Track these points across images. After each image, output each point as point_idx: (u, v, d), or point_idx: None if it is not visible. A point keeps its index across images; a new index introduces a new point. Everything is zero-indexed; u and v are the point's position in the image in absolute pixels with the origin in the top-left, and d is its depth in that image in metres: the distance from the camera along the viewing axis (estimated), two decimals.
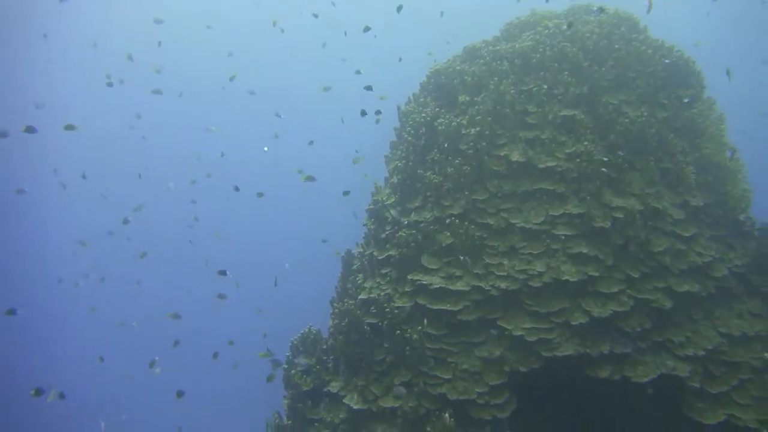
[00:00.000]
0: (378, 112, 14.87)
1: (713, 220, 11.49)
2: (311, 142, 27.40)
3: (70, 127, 15.74)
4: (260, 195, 19.17)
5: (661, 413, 10.59)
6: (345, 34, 17.27)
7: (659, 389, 10.18)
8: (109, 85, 23.61)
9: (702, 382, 10.16)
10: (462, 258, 10.57)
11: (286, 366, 11.30)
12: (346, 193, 15.45)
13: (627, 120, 11.20)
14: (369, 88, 15.26)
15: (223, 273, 15.95)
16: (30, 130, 14.23)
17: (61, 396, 14.14)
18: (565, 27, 12.65)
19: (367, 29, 16.62)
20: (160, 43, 28.50)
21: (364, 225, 12.62)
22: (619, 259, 10.46)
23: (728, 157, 12.07)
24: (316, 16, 19.01)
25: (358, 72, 16.16)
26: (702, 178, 11.62)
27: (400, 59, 15.95)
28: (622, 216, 10.53)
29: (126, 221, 23.41)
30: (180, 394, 13.93)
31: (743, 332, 10.70)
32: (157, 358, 19.81)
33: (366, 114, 15.06)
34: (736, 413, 10.01)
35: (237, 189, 18.23)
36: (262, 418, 11.62)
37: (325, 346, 11.45)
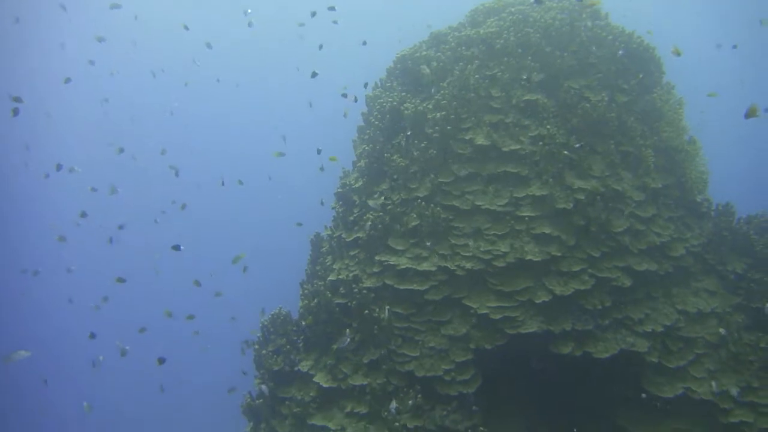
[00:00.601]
0: (355, 99, 15.02)
1: (672, 202, 11.83)
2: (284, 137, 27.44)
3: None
4: (240, 183, 18.91)
5: (622, 387, 10.92)
6: (313, 14, 17.07)
7: (620, 364, 10.55)
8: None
9: (660, 357, 10.52)
10: (428, 244, 10.81)
11: (256, 347, 11.46)
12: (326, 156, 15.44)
13: (588, 105, 11.48)
14: (314, 74, 15.52)
15: (176, 248, 15.97)
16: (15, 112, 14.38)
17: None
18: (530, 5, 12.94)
19: (332, 8, 16.67)
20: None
21: (332, 208, 12.81)
22: (580, 240, 10.78)
23: (686, 141, 12.41)
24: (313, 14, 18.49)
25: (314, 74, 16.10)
26: (661, 160, 11.95)
27: (365, 42, 15.96)
28: (583, 197, 10.84)
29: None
30: (161, 360, 13.96)
31: (699, 309, 11.09)
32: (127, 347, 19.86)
33: (347, 97, 15.26)
34: (693, 386, 10.39)
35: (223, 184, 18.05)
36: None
37: (294, 327, 11.61)
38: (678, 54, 12.02)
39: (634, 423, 10.74)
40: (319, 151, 15.65)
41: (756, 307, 11.12)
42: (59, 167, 20.03)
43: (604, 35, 12.51)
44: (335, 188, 12.91)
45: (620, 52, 12.30)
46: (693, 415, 10.45)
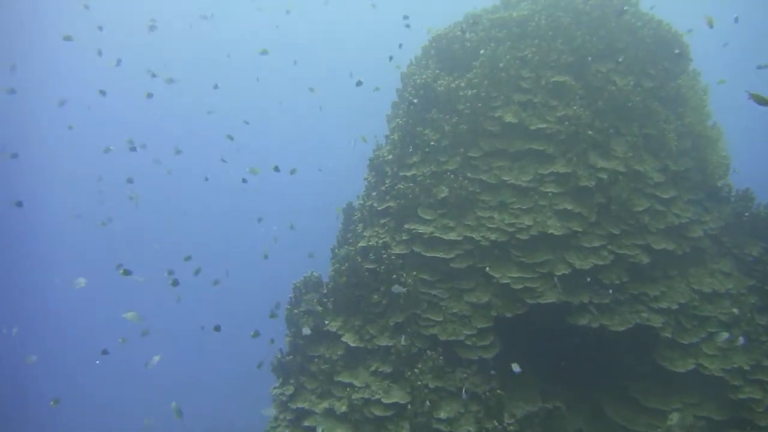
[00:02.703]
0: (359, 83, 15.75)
1: (692, 185, 12.21)
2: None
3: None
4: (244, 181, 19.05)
5: (635, 361, 11.38)
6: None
7: (634, 338, 11.00)
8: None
9: (674, 334, 10.95)
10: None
11: (288, 307, 12.06)
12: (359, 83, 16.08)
13: (614, 88, 11.89)
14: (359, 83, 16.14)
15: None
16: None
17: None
18: None
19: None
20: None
21: (365, 179, 13.34)
22: (601, 217, 11.22)
23: (709, 127, 12.77)
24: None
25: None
26: (684, 145, 12.32)
27: (408, 23, 16.35)
28: (605, 177, 11.28)
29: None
30: (218, 328, 14.29)
31: (714, 289, 11.49)
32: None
33: (362, 83, 15.89)
34: (704, 363, 10.83)
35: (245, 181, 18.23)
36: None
37: (325, 290, 12.18)
38: (711, 24, 12.05)
39: (645, 395, 11.20)
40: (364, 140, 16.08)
41: None
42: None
43: (633, 21, 12.87)
44: (367, 159, 13.44)
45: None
46: (703, 390, 10.90)
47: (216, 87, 25.53)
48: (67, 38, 21.46)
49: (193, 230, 58.27)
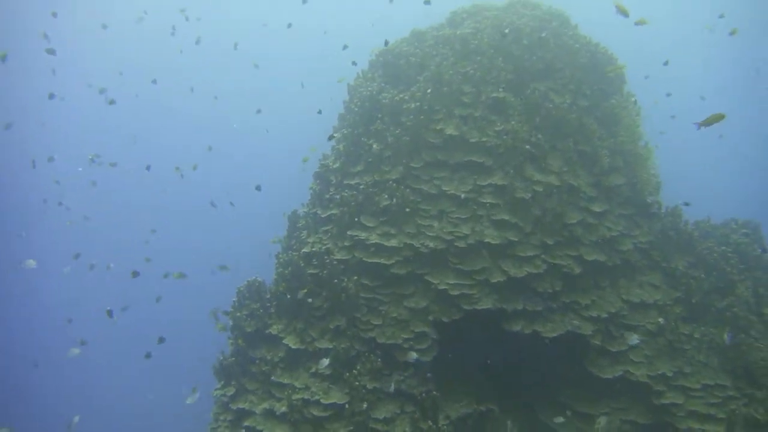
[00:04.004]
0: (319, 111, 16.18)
1: (623, 200, 12.75)
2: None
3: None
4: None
5: (566, 367, 11.86)
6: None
7: (565, 346, 11.47)
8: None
9: (603, 341, 11.45)
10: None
11: (231, 310, 12.25)
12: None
13: (551, 105, 12.44)
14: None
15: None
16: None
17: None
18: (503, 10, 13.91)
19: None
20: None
21: (310, 188, 13.66)
22: (536, 228, 11.70)
23: (641, 146, 13.39)
24: None
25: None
26: (615, 162, 12.89)
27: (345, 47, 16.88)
28: (541, 189, 11.78)
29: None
30: (161, 340, 14.43)
31: (642, 300, 12.01)
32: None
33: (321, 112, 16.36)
34: (631, 369, 11.35)
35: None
36: None
37: (268, 295, 12.40)
38: (626, 13, 12.19)
39: (576, 400, 11.69)
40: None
41: (694, 301, 12.10)
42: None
43: (571, 43, 13.50)
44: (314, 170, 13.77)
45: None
46: (630, 396, 11.41)
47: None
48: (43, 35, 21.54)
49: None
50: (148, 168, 23.51)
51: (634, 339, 11.35)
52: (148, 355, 15.46)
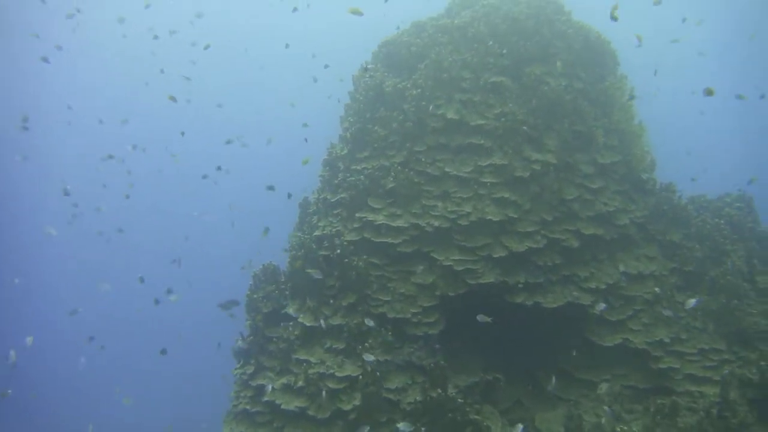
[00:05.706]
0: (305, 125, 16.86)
1: (619, 177, 13.23)
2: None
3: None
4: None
5: (568, 337, 12.45)
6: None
7: (567, 316, 12.06)
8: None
9: (602, 311, 12.02)
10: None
11: (248, 293, 12.83)
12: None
13: (547, 88, 12.99)
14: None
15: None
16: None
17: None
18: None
19: None
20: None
21: (319, 176, 14.28)
22: (535, 204, 12.30)
23: (635, 125, 13.90)
24: None
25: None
26: (610, 140, 13.40)
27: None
28: (539, 168, 12.37)
29: None
30: (164, 351, 14.90)
31: (639, 271, 12.58)
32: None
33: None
34: (630, 337, 11.93)
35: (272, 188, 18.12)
36: None
37: (283, 278, 12.97)
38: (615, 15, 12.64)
39: (577, 368, 12.29)
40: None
41: (688, 270, 12.66)
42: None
43: (565, 29, 14.03)
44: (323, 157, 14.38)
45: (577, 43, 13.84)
46: (630, 362, 12.01)
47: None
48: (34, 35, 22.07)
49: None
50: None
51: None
52: (163, 351, 15.95)
